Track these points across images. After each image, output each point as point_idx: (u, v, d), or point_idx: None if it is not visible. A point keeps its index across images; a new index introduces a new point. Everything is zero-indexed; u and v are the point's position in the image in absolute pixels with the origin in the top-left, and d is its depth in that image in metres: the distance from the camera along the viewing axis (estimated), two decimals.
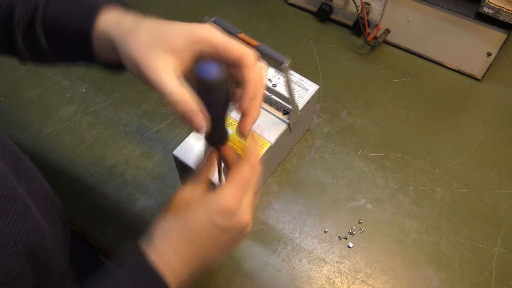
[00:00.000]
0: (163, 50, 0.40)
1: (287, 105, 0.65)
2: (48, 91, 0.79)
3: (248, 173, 0.44)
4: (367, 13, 0.85)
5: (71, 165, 0.71)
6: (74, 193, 0.68)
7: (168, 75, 0.40)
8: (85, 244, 0.64)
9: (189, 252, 0.43)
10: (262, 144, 0.61)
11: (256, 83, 0.41)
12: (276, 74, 0.68)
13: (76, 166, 0.70)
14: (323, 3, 0.90)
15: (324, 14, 0.90)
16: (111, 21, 0.44)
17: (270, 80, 0.67)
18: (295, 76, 0.68)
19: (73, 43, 0.46)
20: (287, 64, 0.52)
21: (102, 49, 0.45)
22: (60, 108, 0.77)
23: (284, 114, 0.64)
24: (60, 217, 0.50)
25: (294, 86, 0.66)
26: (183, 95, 0.40)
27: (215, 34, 0.41)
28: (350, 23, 0.90)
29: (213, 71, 0.38)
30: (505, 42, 0.77)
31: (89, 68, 0.82)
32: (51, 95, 0.79)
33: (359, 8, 0.84)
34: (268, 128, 0.63)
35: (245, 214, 0.44)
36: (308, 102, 0.66)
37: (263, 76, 0.43)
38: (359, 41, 0.89)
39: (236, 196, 0.43)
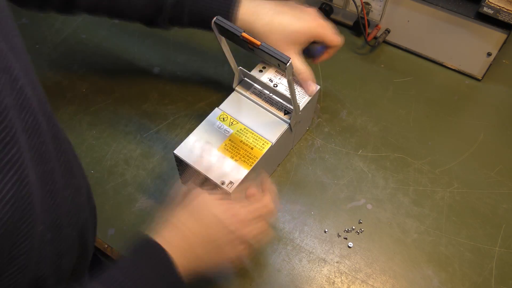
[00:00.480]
0: (293, 45, 0.63)
1: (288, 105, 0.65)
2: (48, 91, 0.79)
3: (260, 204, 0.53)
4: (367, 13, 0.85)
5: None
6: None
7: (297, 58, 0.64)
8: None
9: (193, 241, 0.47)
10: (263, 144, 0.61)
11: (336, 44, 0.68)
12: (277, 74, 0.68)
13: None
14: (323, 3, 0.90)
15: (324, 14, 0.90)
16: (249, 15, 0.62)
17: (271, 80, 0.67)
18: (296, 76, 0.68)
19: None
20: (289, 64, 0.52)
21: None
22: (60, 108, 0.77)
23: (285, 114, 0.64)
24: (94, 211, 0.52)
25: (295, 87, 0.66)
26: (306, 70, 0.65)
27: (326, 33, 0.66)
28: (350, 23, 0.90)
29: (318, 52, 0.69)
30: (505, 42, 0.77)
31: (90, 67, 0.82)
32: (51, 95, 0.79)
33: (359, 8, 0.84)
34: (269, 128, 0.63)
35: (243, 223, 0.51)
36: (309, 103, 0.66)
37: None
38: (359, 41, 0.89)
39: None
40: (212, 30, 0.58)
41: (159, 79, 0.81)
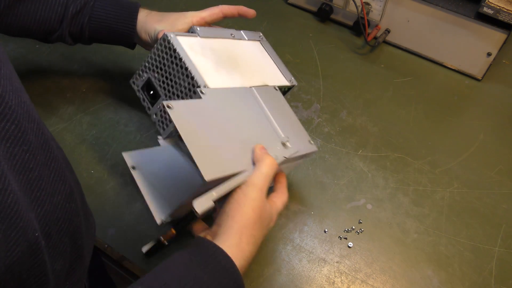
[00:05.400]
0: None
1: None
2: (48, 91, 0.79)
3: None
4: (367, 13, 0.85)
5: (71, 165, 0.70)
6: None
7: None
8: None
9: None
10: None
11: None
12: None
13: (76, 166, 0.70)
14: (323, 3, 0.90)
15: (324, 14, 0.90)
16: (143, 16, 0.68)
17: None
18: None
19: (116, 37, 0.69)
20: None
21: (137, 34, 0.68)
22: (60, 108, 0.77)
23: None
24: (89, 214, 0.52)
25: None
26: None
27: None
28: (350, 23, 0.90)
29: None
30: (505, 42, 0.77)
31: (90, 67, 0.82)
32: (51, 95, 0.79)
33: (359, 8, 0.84)
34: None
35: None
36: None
37: None
38: (359, 41, 0.89)
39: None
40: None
41: None
